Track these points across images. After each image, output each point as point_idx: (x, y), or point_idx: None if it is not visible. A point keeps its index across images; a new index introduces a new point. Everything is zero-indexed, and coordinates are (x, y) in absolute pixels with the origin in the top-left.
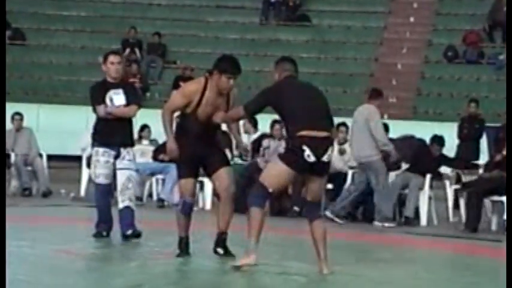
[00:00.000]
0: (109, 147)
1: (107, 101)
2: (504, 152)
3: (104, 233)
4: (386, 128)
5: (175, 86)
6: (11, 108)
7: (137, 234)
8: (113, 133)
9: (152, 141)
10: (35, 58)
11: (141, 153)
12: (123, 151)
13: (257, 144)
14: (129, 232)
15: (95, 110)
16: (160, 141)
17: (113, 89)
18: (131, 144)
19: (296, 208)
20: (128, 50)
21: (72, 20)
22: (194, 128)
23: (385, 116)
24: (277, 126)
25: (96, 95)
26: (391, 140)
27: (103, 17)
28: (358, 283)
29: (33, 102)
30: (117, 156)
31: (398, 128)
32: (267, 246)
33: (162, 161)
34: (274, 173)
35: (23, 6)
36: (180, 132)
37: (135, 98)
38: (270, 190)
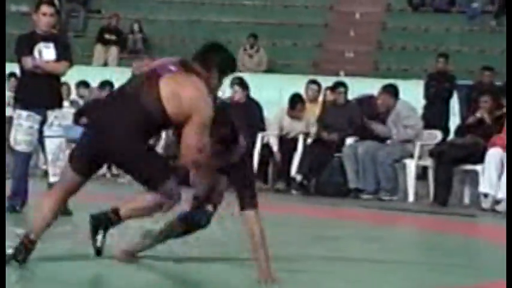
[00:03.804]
0: (34, 111)
1: (35, 53)
2: (478, 114)
3: (18, 207)
4: (344, 86)
5: (100, 39)
6: None
7: (69, 213)
8: (39, 92)
9: (73, 103)
10: None
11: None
12: (50, 115)
13: None
14: None
15: (20, 62)
16: (81, 103)
17: (43, 42)
18: (59, 105)
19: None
20: None
21: None
22: None
23: (342, 73)
24: None
25: (24, 46)
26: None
27: None
28: (308, 264)
29: None
30: (43, 121)
31: (357, 87)
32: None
33: (85, 125)
34: None
35: None
36: None
37: (67, 54)
38: None
